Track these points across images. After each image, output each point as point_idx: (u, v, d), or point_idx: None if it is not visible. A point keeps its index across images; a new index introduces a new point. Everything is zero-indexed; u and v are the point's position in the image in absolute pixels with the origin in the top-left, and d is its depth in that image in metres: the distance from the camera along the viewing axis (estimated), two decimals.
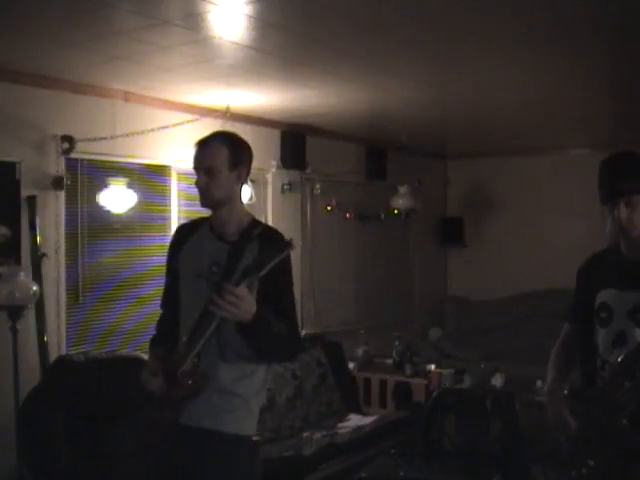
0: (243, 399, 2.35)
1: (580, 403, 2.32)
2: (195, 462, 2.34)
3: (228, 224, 2.40)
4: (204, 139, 2.39)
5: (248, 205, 4.74)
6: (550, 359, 2.59)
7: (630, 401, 2.17)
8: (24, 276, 3.86)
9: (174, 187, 5.05)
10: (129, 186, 4.63)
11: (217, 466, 2.33)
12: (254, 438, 2.42)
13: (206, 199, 2.38)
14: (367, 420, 4.86)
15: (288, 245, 2.13)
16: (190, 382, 2.29)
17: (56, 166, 4.24)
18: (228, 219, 2.40)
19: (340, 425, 4.74)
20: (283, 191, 5.90)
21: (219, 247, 2.37)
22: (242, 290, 2.09)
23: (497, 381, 5.24)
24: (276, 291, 2.29)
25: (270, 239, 2.33)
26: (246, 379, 2.35)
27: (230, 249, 2.34)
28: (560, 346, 2.60)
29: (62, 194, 4.29)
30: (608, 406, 2.22)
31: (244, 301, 2.10)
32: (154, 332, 2.64)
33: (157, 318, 2.68)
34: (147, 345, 2.63)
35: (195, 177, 2.40)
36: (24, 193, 4.08)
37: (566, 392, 2.40)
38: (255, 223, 2.44)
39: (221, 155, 2.34)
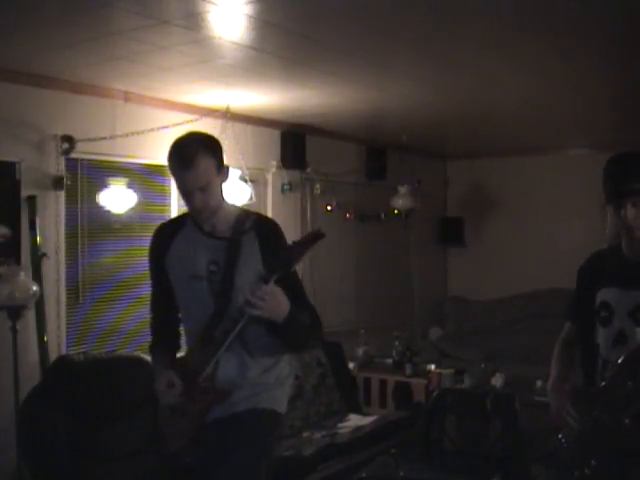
0: (274, 384, 2.36)
1: (582, 402, 2.32)
2: (232, 435, 2.29)
3: (218, 221, 2.34)
4: (186, 159, 2.22)
5: (248, 205, 4.75)
6: (553, 356, 2.59)
7: (632, 401, 2.17)
8: (24, 276, 3.86)
9: (174, 187, 5.05)
10: (129, 186, 4.63)
11: (253, 427, 2.30)
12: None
13: (204, 213, 2.29)
14: (367, 420, 4.86)
15: (319, 234, 2.08)
16: (212, 386, 2.24)
17: (56, 166, 4.24)
18: (218, 217, 2.34)
19: (340, 425, 4.74)
20: (283, 191, 5.90)
21: (214, 245, 2.32)
22: (276, 287, 2.06)
23: (497, 381, 5.23)
24: (291, 279, 2.23)
25: (265, 227, 2.34)
26: (272, 368, 2.35)
27: (227, 245, 2.29)
28: (562, 343, 2.60)
29: (62, 194, 4.29)
30: (610, 406, 2.21)
31: (279, 298, 2.08)
32: (151, 338, 2.56)
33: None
34: (147, 345, 2.60)
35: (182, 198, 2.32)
36: (24, 193, 4.08)
37: (569, 392, 2.40)
38: (243, 214, 2.39)
39: (210, 168, 2.26)
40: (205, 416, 2.29)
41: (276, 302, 2.10)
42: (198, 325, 2.31)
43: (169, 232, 2.44)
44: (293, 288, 2.23)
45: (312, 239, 2.07)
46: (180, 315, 2.48)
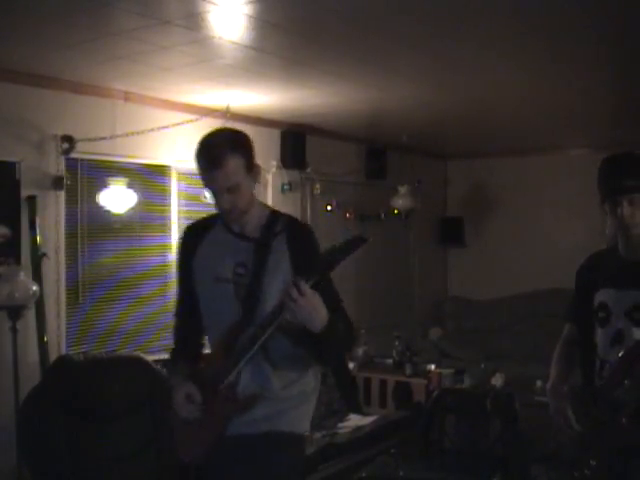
0: (298, 398, 2.24)
1: (580, 402, 2.32)
2: (245, 463, 2.18)
3: (248, 222, 2.22)
4: (214, 159, 2.11)
5: None
6: (553, 357, 2.60)
7: (630, 399, 2.17)
8: (24, 276, 3.86)
9: (174, 187, 5.06)
10: (129, 186, 4.63)
11: (270, 460, 2.19)
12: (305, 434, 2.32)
13: (233, 214, 2.17)
14: (367, 420, 4.86)
15: (362, 239, 1.93)
16: (234, 395, 2.13)
17: (56, 166, 4.24)
18: (248, 217, 2.21)
19: (340, 425, 4.74)
20: (283, 191, 5.89)
21: (242, 246, 2.20)
22: (313, 291, 1.91)
23: (497, 381, 5.23)
24: (327, 286, 2.07)
25: (297, 231, 2.22)
26: (297, 382, 2.23)
27: (255, 247, 2.18)
28: (562, 344, 2.60)
29: (62, 194, 4.29)
30: (608, 405, 2.22)
31: (317, 304, 1.93)
32: (174, 345, 2.44)
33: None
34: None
35: (205, 192, 2.24)
36: (24, 193, 4.08)
37: (567, 392, 2.40)
38: (275, 215, 2.27)
39: (239, 168, 2.13)
40: (224, 427, 2.18)
41: (313, 307, 1.93)
42: (221, 330, 2.19)
43: (198, 232, 2.34)
44: (330, 296, 2.05)
45: (355, 244, 1.93)
46: (204, 322, 2.33)
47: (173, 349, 2.43)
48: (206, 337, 2.37)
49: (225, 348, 2.15)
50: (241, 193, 2.14)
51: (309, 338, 1.99)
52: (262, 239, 2.18)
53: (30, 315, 4.01)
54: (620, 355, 2.22)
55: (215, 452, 2.19)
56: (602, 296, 2.37)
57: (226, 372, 2.12)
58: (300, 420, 2.27)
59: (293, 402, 2.22)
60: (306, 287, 1.90)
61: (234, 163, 2.12)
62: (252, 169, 2.18)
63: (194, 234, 2.35)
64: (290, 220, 2.27)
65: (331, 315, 1.99)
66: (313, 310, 1.93)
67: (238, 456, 2.18)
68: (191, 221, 2.55)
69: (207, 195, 2.27)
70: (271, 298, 2.09)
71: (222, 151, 2.12)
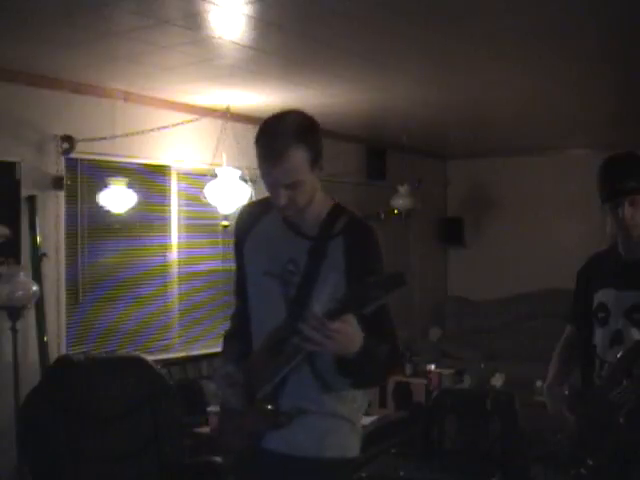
0: (347, 420, 2.00)
1: (578, 402, 2.33)
2: None
3: (307, 217, 1.97)
4: (275, 152, 1.84)
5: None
6: (552, 358, 2.60)
7: (628, 400, 2.17)
8: (24, 276, 3.86)
9: (174, 187, 5.05)
10: (129, 186, 4.62)
11: None
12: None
13: (289, 211, 1.94)
14: (367, 420, 4.86)
15: (401, 280, 1.71)
16: (270, 409, 1.90)
17: (56, 166, 4.24)
18: (308, 213, 1.97)
19: None
20: None
21: (297, 243, 1.97)
22: (346, 322, 1.70)
23: (497, 381, 5.24)
24: (379, 309, 1.80)
25: (357, 234, 1.96)
26: (349, 400, 2.00)
27: (311, 248, 1.94)
28: (563, 345, 2.61)
29: (62, 194, 4.29)
30: (606, 405, 2.22)
31: (349, 334, 1.71)
32: (229, 325, 2.23)
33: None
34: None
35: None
36: (24, 193, 4.08)
37: (566, 392, 2.40)
38: (336, 210, 2.01)
39: (302, 164, 1.87)
40: (255, 439, 1.97)
41: (344, 338, 1.72)
42: (263, 330, 1.97)
43: (255, 214, 2.09)
44: (374, 315, 1.76)
45: (393, 284, 1.72)
46: (252, 313, 2.11)
47: (227, 330, 2.21)
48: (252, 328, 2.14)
49: (266, 352, 1.93)
50: (301, 190, 1.89)
51: (345, 361, 1.81)
52: (318, 239, 1.95)
53: (30, 315, 4.01)
54: (619, 355, 2.22)
55: (251, 465, 2.02)
56: (602, 296, 2.37)
57: (264, 380, 1.91)
58: (351, 442, 2.05)
59: (341, 423, 2.00)
60: (332, 326, 1.68)
61: (297, 157, 1.85)
62: (318, 163, 1.92)
63: (250, 215, 2.11)
64: (351, 219, 1.99)
65: (369, 337, 1.78)
66: (341, 342, 1.72)
67: (282, 474, 1.98)
68: (244, 204, 2.29)
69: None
70: (317, 307, 1.84)
71: (285, 143, 1.85)
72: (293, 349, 1.82)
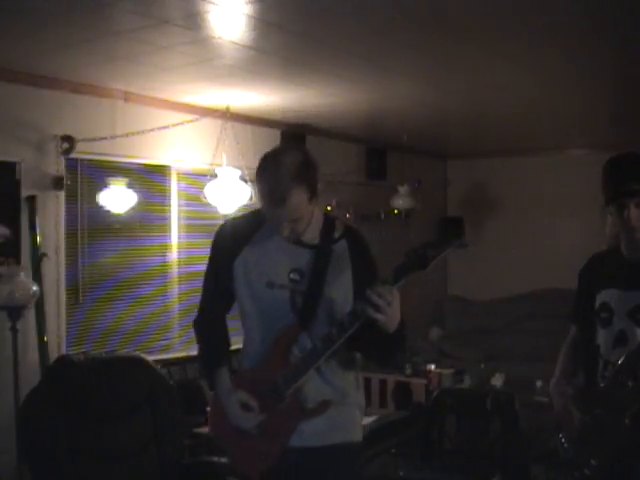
0: (357, 404, 2.21)
1: (583, 403, 2.32)
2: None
3: (305, 231, 2.13)
4: (277, 196, 1.97)
5: (247, 206, 4.74)
6: (559, 356, 2.60)
7: (633, 401, 2.17)
8: (24, 276, 3.86)
9: (174, 187, 5.05)
10: (129, 186, 4.62)
11: (349, 476, 2.15)
12: None
13: (291, 236, 2.11)
14: (367, 420, 4.86)
15: (459, 238, 1.90)
16: (301, 404, 2.06)
17: (56, 166, 4.24)
18: (305, 228, 2.12)
19: None
20: None
21: (299, 252, 2.11)
22: (397, 295, 1.88)
23: (497, 381, 5.24)
24: None
25: (357, 238, 2.18)
26: (354, 386, 2.20)
27: (314, 254, 2.10)
28: (568, 346, 2.61)
29: (62, 194, 4.29)
30: (611, 406, 2.22)
31: (396, 307, 1.90)
32: (203, 350, 2.36)
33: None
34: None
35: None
36: (24, 193, 4.08)
37: (570, 392, 2.40)
38: (328, 219, 2.21)
39: (302, 201, 2.02)
40: (289, 437, 2.09)
41: (396, 311, 1.91)
42: (270, 337, 2.11)
43: (243, 232, 2.19)
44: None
45: (450, 243, 1.87)
46: (243, 326, 2.25)
47: (207, 357, 2.34)
48: (246, 341, 2.27)
49: (281, 355, 2.08)
50: (302, 221, 2.07)
51: (380, 338, 1.96)
52: (322, 245, 2.12)
53: (30, 315, 4.01)
54: (623, 357, 2.22)
55: (279, 465, 2.10)
56: (604, 297, 2.37)
57: (290, 379, 2.04)
58: (360, 427, 2.23)
59: (355, 408, 2.19)
60: (394, 291, 1.88)
61: (298, 198, 2.01)
62: (315, 195, 2.08)
63: (238, 233, 2.21)
64: (346, 227, 2.21)
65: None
66: (396, 312, 1.91)
67: (312, 470, 2.10)
68: (229, 218, 2.40)
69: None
70: (333, 305, 2.05)
71: (286, 187, 1.98)
72: (322, 343, 1.98)
